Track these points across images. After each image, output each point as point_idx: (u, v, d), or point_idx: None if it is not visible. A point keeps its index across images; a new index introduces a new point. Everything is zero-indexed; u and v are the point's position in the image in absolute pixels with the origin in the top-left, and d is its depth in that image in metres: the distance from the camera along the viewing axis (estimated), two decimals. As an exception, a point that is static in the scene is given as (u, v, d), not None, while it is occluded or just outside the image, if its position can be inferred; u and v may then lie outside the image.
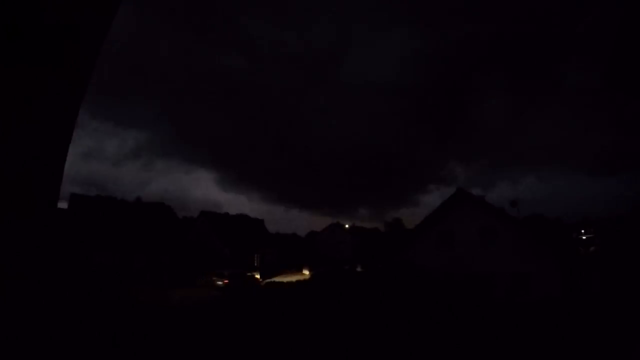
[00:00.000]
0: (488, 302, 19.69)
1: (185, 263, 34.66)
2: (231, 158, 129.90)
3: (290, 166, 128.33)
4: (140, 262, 31.87)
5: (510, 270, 21.14)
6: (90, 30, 2.10)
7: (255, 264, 44.48)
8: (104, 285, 21.80)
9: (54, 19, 1.88)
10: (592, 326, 13.84)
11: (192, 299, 22.17)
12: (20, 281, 1.83)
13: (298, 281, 29.87)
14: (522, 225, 24.15)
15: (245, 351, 11.07)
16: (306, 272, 41.31)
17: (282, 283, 29.10)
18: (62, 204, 32.47)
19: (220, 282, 28.44)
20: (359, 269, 36.72)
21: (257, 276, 33.49)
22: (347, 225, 66.24)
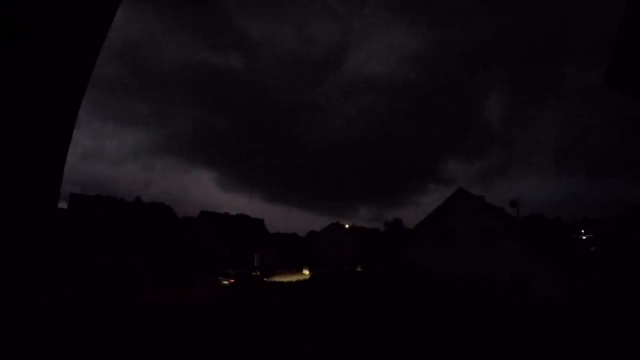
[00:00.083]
0: (488, 302, 19.68)
1: (185, 263, 34.67)
2: (231, 158, 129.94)
3: (290, 166, 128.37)
4: (140, 262, 31.87)
5: (510, 270, 21.13)
6: (90, 30, 2.10)
7: (255, 264, 44.50)
8: (104, 285, 21.78)
9: (54, 19, 1.88)
10: (592, 326, 13.84)
11: (194, 299, 22.15)
12: (20, 281, 1.83)
13: (298, 281, 29.89)
14: (522, 226, 24.17)
15: (247, 351, 11.07)
16: (306, 272, 41.32)
17: (283, 283, 29.24)
18: (62, 204, 32.50)
19: (226, 282, 28.61)
20: (359, 269, 36.75)
21: (261, 275, 33.74)
22: (347, 225, 66.27)
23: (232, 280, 28.36)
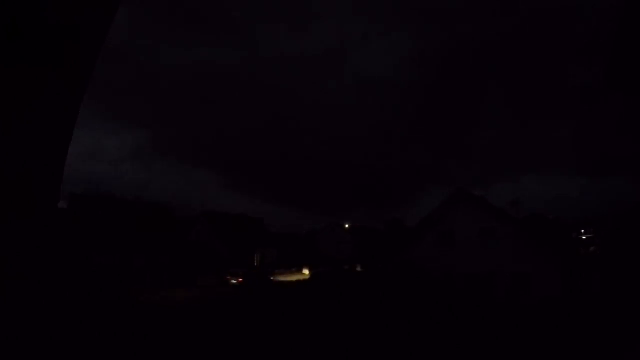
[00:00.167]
0: (488, 302, 19.68)
1: (185, 263, 34.66)
2: (231, 158, 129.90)
3: (290, 166, 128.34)
4: (140, 262, 31.84)
5: (510, 270, 21.13)
6: (90, 30, 2.10)
7: (255, 264, 44.50)
8: (104, 285, 21.77)
9: (54, 19, 1.88)
10: (592, 326, 13.84)
11: (195, 299, 22.15)
12: (20, 281, 1.83)
13: (298, 281, 29.95)
14: (522, 226, 24.17)
15: (245, 351, 11.07)
16: (306, 271, 41.36)
17: (287, 283, 29.53)
18: (62, 204, 32.47)
19: (234, 281, 29.20)
20: (359, 269, 36.74)
21: (268, 275, 34.20)
22: (347, 225, 66.20)
23: (241, 280, 29.21)
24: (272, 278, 33.91)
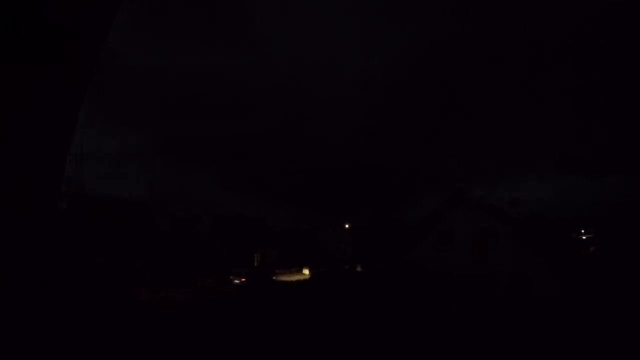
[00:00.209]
0: (488, 302, 19.69)
1: (185, 263, 34.68)
2: (231, 157, 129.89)
3: (290, 166, 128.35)
4: (140, 262, 31.85)
5: (510, 270, 21.13)
6: (90, 30, 2.10)
7: (255, 264, 44.50)
8: (104, 285, 21.77)
9: (54, 19, 1.88)
10: (592, 326, 13.84)
11: (197, 299, 22.16)
12: (20, 281, 1.83)
13: (298, 281, 30.01)
14: (522, 226, 24.15)
15: (244, 351, 11.07)
16: (306, 271, 41.38)
17: (287, 283, 29.66)
18: (62, 204, 32.42)
19: (237, 281, 29.47)
20: (359, 269, 36.76)
21: (270, 274, 34.39)
22: (347, 225, 66.19)
23: (244, 280, 29.46)
24: (274, 278, 34.06)
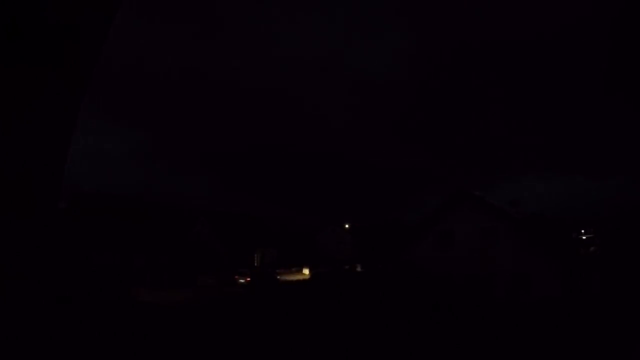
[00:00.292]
0: (488, 302, 19.69)
1: (185, 263, 34.70)
2: (231, 157, 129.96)
3: (291, 166, 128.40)
4: (140, 262, 31.86)
5: (510, 270, 21.14)
6: (90, 30, 2.10)
7: (255, 264, 44.51)
8: (104, 285, 21.78)
9: (54, 19, 1.88)
10: (592, 326, 13.84)
11: (196, 299, 22.17)
12: (20, 281, 1.83)
13: (298, 281, 30.07)
14: (522, 226, 24.14)
15: (243, 351, 11.08)
16: (306, 271, 41.45)
17: (289, 282, 29.81)
18: (62, 204, 32.46)
19: (242, 280, 29.77)
20: (359, 269, 36.81)
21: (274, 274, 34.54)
22: (347, 225, 66.20)
23: (249, 279, 29.90)
24: (279, 277, 34.21)
